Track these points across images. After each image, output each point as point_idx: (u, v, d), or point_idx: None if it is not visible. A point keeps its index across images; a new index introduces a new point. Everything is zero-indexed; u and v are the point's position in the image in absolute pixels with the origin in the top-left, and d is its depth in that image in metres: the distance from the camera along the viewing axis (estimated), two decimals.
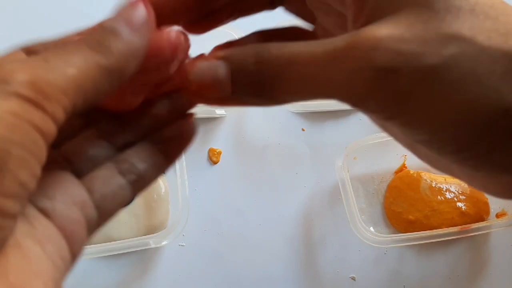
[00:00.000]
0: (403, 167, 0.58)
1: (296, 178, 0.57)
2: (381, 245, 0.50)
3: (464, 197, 0.55)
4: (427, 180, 0.56)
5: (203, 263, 0.52)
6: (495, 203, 0.55)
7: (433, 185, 0.55)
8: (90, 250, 0.50)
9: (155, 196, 0.55)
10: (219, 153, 0.57)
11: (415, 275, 0.53)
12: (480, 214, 0.54)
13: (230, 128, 0.62)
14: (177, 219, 0.50)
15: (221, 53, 0.20)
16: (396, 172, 0.58)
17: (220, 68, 0.19)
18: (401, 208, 0.55)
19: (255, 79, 0.19)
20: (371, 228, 0.54)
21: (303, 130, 0.62)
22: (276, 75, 0.18)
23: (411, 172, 0.57)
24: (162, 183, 0.56)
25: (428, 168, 0.58)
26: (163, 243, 0.50)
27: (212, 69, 0.20)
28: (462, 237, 0.54)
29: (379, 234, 0.51)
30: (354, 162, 0.56)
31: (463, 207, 0.54)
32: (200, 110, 0.60)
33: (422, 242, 0.51)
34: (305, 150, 0.55)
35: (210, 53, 0.21)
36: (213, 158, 0.57)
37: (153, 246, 0.50)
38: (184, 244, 0.54)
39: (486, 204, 0.55)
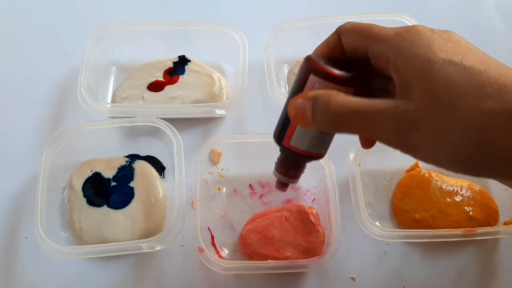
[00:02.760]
0: (415, 166, 0.57)
1: None
2: (383, 239, 0.50)
3: (473, 202, 0.54)
4: (438, 181, 0.55)
5: (203, 263, 0.52)
6: (505, 211, 0.55)
7: (443, 187, 0.55)
8: (83, 250, 0.50)
9: (152, 200, 0.54)
10: (220, 154, 0.57)
11: (416, 275, 0.53)
12: (488, 220, 0.53)
13: (230, 128, 0.62)
14: (172, 226, 0.49)
15: (310, 93, 0.32)
16: (408, 171, 0.57)
17: (307, 105, 0.32)
18: (408, 206, 0.54)
19: (326, 117, 0.31)
20: (377, 223, 0.54)
21: None
22: (337, 120, 0.31)
23: (423, 172, 0.56)
24: (161, 186, 0.56)
25: (441, 170, 0.57)
26: (157, 248, 0.50)
27: (303, 105, 0.32)
28: (469, 243, 0.53)
29: (382, 227, 0.51)
30: (367, 156, 0.55)
31: (471, 212, 0.53)
32: (200, 111, 0.60)
33: (425, 240, 0.50)
34: None
35: (304, 93, 0.33)
36: (213, 159, 0.57)
37: (145, 250, 0.50)
38: (184, 244, 0.54)
39: (495, 211, 0.54)
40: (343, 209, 0.51)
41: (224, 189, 0.57)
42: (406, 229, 0.53)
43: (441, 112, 0.27)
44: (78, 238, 0.53)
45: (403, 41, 0.30)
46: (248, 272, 0.52)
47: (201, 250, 0.48)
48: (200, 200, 0.51)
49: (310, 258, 0.49)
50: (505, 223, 0.54)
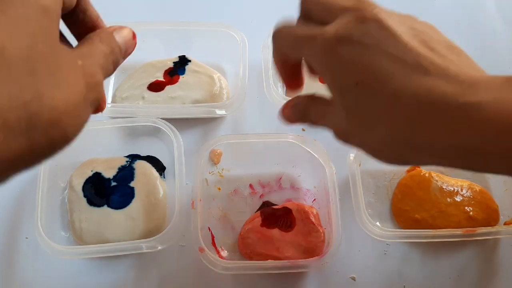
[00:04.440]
0: (416, 166, 0.57)
1: (297, 179, 0.58)
2: (384, 239, 0.50)
3: (473, 202, 0.54)
4: (438, 181, 0.55)
5: (203, 263, 0.52)
6: (505, 211, 0.55)
7: (444, 187, 0.55)
8: (83, 250, 0.50)
9: (153, 199, 0.54)
10: (220, 154, 0.57)
11: (416, 275, 0.53)
12: (488, 220, 0.53)
13: (230, 128, 0.62)
14: (173, 226, 0.49)
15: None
16: (408, 171, 0.57)
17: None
18: (409, 206, 0.55)
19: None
20: (377, 223, 0.54)
21: (303, 130, 0.62)
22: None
23: (423, 172, 0.56)
24: (161, 186, 0.56)
25: (442, 170, 0.58)
26: (157, 248, 0.49)
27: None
28: (469, 243, 0.53)
29: (382, 227, 0.51)
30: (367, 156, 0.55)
31: (471, 212, 0.53)
32: (200, 111, 0.60)
33: (425, 240, 0.50)
34: (305, 150, 0.55)
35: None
36: (214, 159, 0.57)
37: (145, 250, 0.50)
38: (184, 244, 0.54)
39: (495, 211, 0.54)
40: (343, 209, 0.50)
41: (224, 189, 0.57)
42: (406, 229, 0.53)
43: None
44: (78, 238, 0.53)
45: None
46: (248, 272, 0.52)
47: (201, 250, 0.48)
48: (200, 200, 0.51)
49: (310, 258, 0.49)
50: (505, 223, 0.54)
